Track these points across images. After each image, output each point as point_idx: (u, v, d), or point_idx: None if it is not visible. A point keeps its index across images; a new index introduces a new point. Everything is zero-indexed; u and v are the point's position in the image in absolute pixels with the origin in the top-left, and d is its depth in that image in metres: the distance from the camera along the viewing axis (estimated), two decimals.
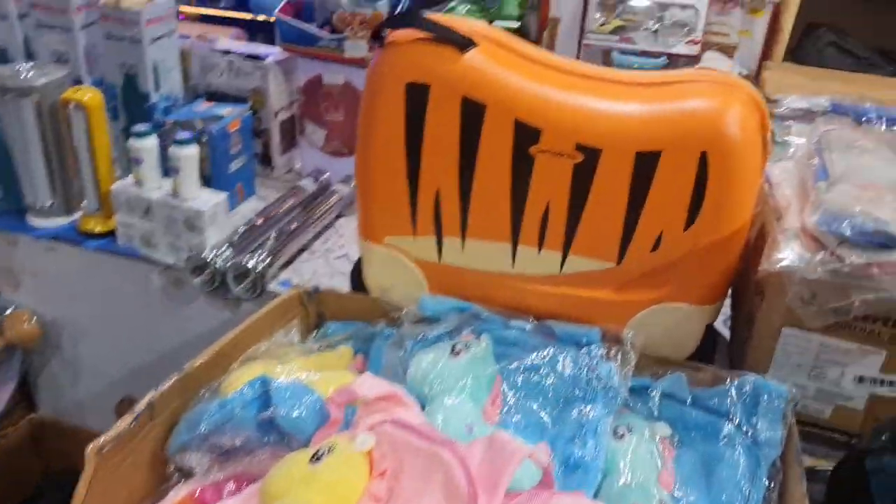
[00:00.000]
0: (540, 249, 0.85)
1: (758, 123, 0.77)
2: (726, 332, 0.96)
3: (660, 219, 0.80)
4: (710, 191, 0.77)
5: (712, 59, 1.89)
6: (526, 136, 0.79)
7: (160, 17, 1.12)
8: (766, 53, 1.96)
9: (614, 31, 1.90)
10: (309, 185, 1.21)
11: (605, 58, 1.95)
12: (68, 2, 1.10)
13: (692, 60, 1.87)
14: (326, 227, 1.16)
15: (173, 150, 1.00)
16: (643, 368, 0.81)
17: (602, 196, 0.80)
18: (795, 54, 1.97)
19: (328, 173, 1.24)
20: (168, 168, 1.04)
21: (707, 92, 0.78)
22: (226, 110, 1.17)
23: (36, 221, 1.12)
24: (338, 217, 1.20)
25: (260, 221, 1.10)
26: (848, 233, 0.67)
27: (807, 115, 1.04)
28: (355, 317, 0.93)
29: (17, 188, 1.14)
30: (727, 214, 0.78)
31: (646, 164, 0.77)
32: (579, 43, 1.97)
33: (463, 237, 0.87)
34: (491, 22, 0.86)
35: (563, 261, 0.85)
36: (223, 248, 1.01)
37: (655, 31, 1.89)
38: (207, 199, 1.03)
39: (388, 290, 0.93)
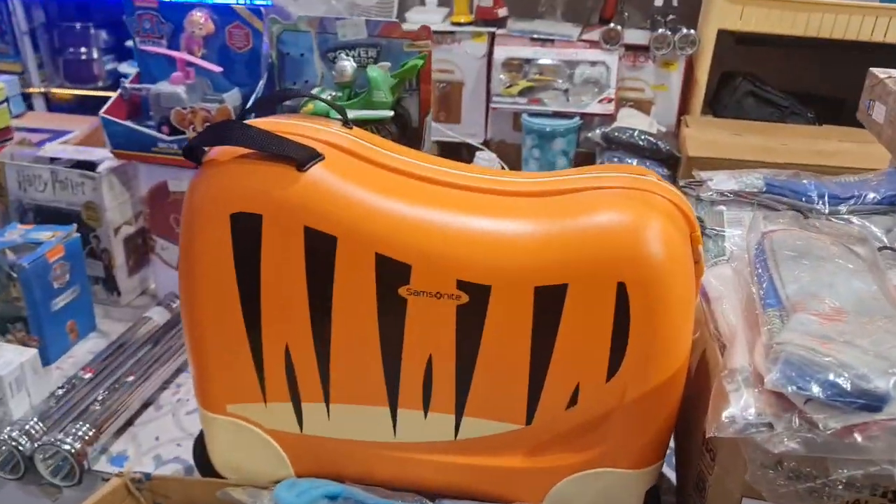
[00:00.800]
0: (426, 413, 0.65)
1: (684, 237, 0.60)
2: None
3: (574, 368, 0.61)
4: (633, 330, 0.59)
5: (628, 115, 1.76)
6: (392, 273, 0.60)
7: None
8: (684, 107, 1.86)
9: (522, 93, 1.77)
10: (160, 315, 0.99)
11: (515, 121, 1.81)
12: None
13: (607, 119, 1.75)
14: (180, 371, 0.94)
15: None
16: None
17: (497, 343, 0.61)
18: (714, 106, 1.87)
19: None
20: None
21: (616, 202, 0.61)
22: (45, 234, 0.95)
23: None
24: None
25: (88, 374, 0.88)
26: (818, 394, 0.50)
27: (738, 198, 0.88)
28: None
29: None
30: (658, 356, 0.61)
31: (549, 302, 0.59)
32: (486, 107, 1.83)
33: (327, 402, 0.67)
34: (341, 114, 0.67)
35: (458, 425, 0.65)
36: (31, 422, 0.79)
37: (566, 91, 1.76)
38: (9, 360, 0.80)
39: (239, 470, 0.72)
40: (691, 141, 1.71)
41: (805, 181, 0.89)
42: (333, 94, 0.93)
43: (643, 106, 1.84)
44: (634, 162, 1.65)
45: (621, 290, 0.58)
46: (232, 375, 0.67)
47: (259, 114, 0.70)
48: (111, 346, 0.93)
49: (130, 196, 1.05)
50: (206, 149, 0.64)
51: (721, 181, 0.91)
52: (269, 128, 0.63)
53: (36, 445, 0.77)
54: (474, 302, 0.60)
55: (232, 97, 0.96)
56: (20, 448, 0.77)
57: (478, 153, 1.69)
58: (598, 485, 0.65)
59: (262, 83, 0.96)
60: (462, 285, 0.60)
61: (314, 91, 0.92)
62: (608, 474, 0.65)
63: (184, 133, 0.94)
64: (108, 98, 1.01)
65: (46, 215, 1.04)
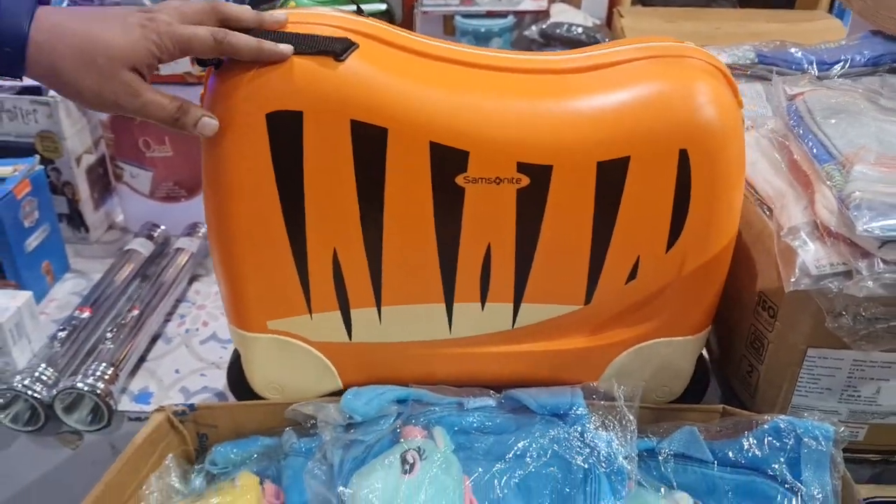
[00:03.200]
0: (483, 304, 0.64)
1: (732, 99, 0.60)
2: None
3: (635, 242, 0.61)
4: (695, 197, 0.59)
5: (561, 10, 1.75)
6: (448, 162, 0.58)
7: None
8: None
9: None
10: (143, 246, 0.93)
11: (447, 24, 1.76)
12: None
13: (541, 15, 1.72)
14: (179, 301, 0.89)
15: None
16: (640, 423, 0.63)
17: (558, 224, 0.60)
18: None
19: (163, 227, 0.97)
20: None
21: (665, 70, 0.60)
22: (5, 169, 0.87)
23: None
24: (191, 282, 0.93)
25: (86, 314, 0.82)
26: None
27: (733, 71, 0.89)
28: (251, 430, 0.69)
29: None
30: (717, 222, 0.61)
31: (611, 176, 0.59)
32: (411, 11, 1.77)
33: (378, 306, 0.64)
34: (359, 9, 0.63)
35: (516, 313, 0.65)
36: (40, 369, 0.73)
37: None
38: (4, 306, 0.74)
39: (283, 388, 0.70)
40: (629, 31, 1.71)
41: (792, 49, 0.90)
42: None
43: (573, 0, 1.83)
44: None
45: (683, 157, 0.58)
46: (272, 290, 0.64)
47: None
48: (101, 284, 0.87)
49: (88, 121, 0.96)
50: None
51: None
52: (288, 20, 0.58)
53: (55, 392, 0.72)
54: (535, 184, 0.58)
55: None
56: (37, 397, 0.71)
57: None
58: (654, 355, 0.66)
59: None
60: (523, 167, 0.58)
61: None
62: (664, 344, 0.66)
63: None
64: None
65: None
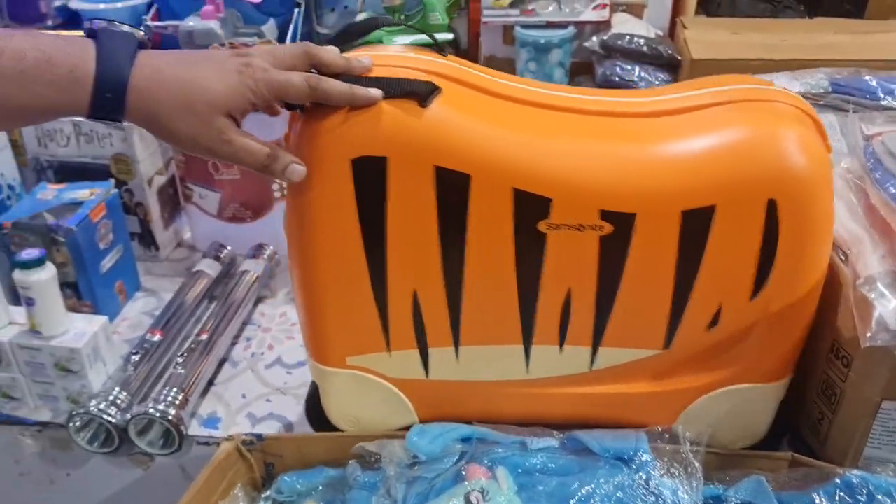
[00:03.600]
0: (562, 347, 0.64)
1: (821, 146, 0.59)
2: None
3: (718, 289, 0.61)
4: (782, 247, 0.58)
5: (623, 21, 1.73)
6: (531, 208, 0.58)
7: None
8: (678, 9, 1.82)
9: (513, 5, 1.70)
10: (211, 267, 0.94)
11: (507, 35, 1.75)
12: None
13: (602, 26, 1.70)
14: (245, 324, 0.91)
15: (20, 277, 0.72)
16: (706, 469, 0.63)
17: (641, 271, 0.60)
18: (706, 6, 1.84)
19: (229, 248, 0.98)
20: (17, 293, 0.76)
21: (751, 116, 0.59)
22: (82, 193, 0.89)
23: None
24: (256, 304, 0.94)
25: (157, 337, 0.83)
26: None
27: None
28: (315, 461, 0.70)
29: None
30: (804, 271, 0.60)
31: (695, 225, 0.58)
32: (477, 39, 1.77)
33: (456, 346, 0.65)
34: (432, 39, 0.63)
35: (594, 356, 0.65)
36: (115, 392, 0.75)
37: (558, 0, 1.71)
38: (82, 331, 0.75)
39: (359, 421, 0.70)
40: (693, 43, 1.68)
41: (867, 77, 0.89)
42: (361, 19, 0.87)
43: (635, 10, 1.80)
44: (636, 69, 1.63)
45: (771, 206, 0.57)
46: (353, 328, 0.65)
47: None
48: (171, 306, 0.88)
49: (159, 144, 0.98)
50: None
51: (784, 84, 0.90)
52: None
53: (129, 417, 0.73)
54: (618, 231, 0.58)
55: (269, 30, 0.89)
56: (112, 420, 0.73)
57: None
58: (733, 401, 0.66)
59: (299, 12, 0.89)
60: (606, 215, 0.58)
61: (364, 16, 0.87)
62: (743, 391, 0.65)
63: None
64: None
65: (69, 172, 0.97)
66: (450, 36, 0.82)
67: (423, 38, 0.83)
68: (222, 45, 0.86)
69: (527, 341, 0.64)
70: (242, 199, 0.99)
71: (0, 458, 0.80)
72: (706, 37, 1.69)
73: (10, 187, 0.90)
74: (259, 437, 0.69)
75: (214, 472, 0.67)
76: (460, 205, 0.58)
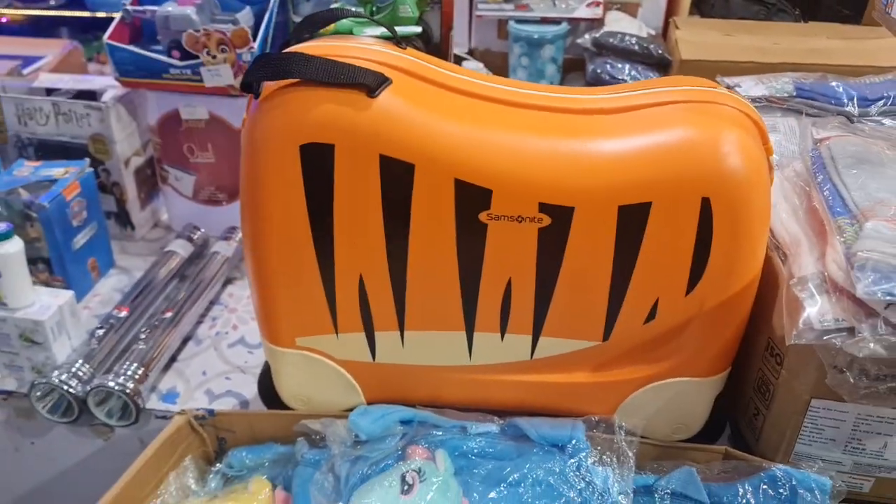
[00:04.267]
0: (503, 335, 0.66)
1: (761, 148, 0.61)
2: None
3: (654, 284, 0.62)
4: (716, 244, 0.60)
5: (616, 19, 1.73)
6: (472, 199, 0.60)
7: None
8: (672, 9, 1.83)
9: (508, 0, 1.72)
10: (183, 248, 0.96)
11: (501, 29, 1.77)
12: None
13: (595, 24, 1.72)
14: (213, 303, 0.93)
15: None
16: (639, 458, 0.65)
17: (579, 263, 0.61)
18: (700, 6, 1.85)
19: (202, 229, 1.00)
20: None
21: (692, 117, 0.60)
22: (57, 171, 0.91)
23: None
24: (225, 285, 0.96)
25: (123, 313, 0.85)
26: None
27: (769, 103, 0.89)
28: (266, 437, 0.72)
29: None
30: (738, 268, 0.62)
31: (632, 220, 0.59)
32: (449, 31, 1.78)
33: (401, 330, 0.67)
34: (392, 32, 0.65)
35: (534, 345, 0.66)
36: (77, 364, 0.77)
37: None
38: (47, 304, 0.78)
39: (309, 401, 0.72)
40: (683, 44, 1.68)
41: (833, 83, 0.90)
42: (353, 10, 0.89)
43: (629, 9, 1.81)
44: (626, 67, 1.64)
45: (705, 205, 0.58)
46: (302, 309, 0.67)
47: (280, 65, 0.65)
48: (140, 283, 0.90)
49: (138, 125, 1.00)
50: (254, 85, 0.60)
51: (750, 87, 0.91)
52: (322, 53, 0.60)
53: (88, 388, 0.76)
54: (557, 224, 0.60)
55: (245, 17, 0.91)
56: (72, 391, 0.75)
57: (464, 63, 1.65)
58: (670, 394, 0.67)
59: (274, 2, 0.91)
60: (545, 208, 0.59)
61: (337, 6, 0.88)
62: (680, 384, 0.67)
63: (196, 57, 0.89)
64: (60, 18, 0.94)
65: (49, 150, 0.99)
66: (418, 29, 0.83)
67: (395, 30, 0.85)
68: (197, 31, 0.88)
69: (469, 328, 0.66)
70: (217, 182, 1.01)
71: None
72: (697, 37, 1.69)
73: None
74: (211, 412, 0.71)
75: (165, 444, 0.69)
76: (404, 193, 0.60)
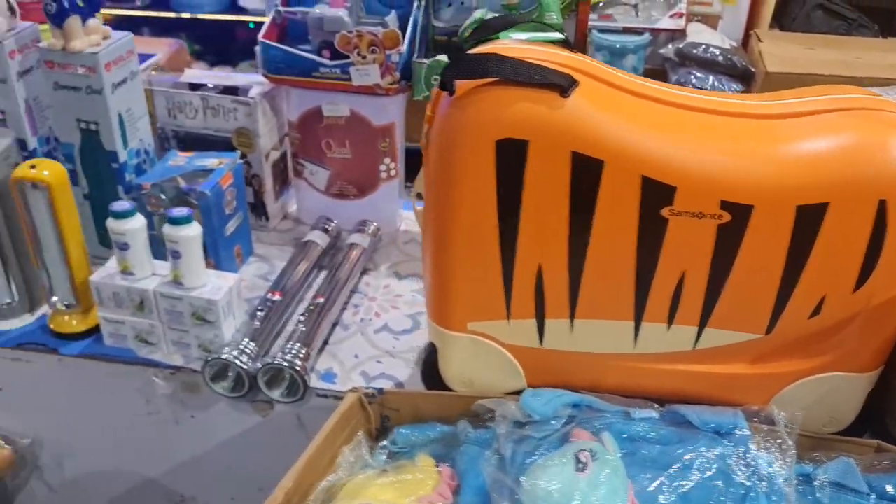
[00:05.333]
0: (670, 325, 0.70)
1: None
2: None
3: (824, 280, 0.66)
4: (889, 244, 0.63)
5: (698, 31, 1.77)
6: (656, 195, 0.63)
7: (121, 57, 0.90)
8: (752, 21, 1.86)
9: (592, 9, 1.75)
10: (320, 238, 1.01)
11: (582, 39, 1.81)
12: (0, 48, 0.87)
13: (677, 34, 1.75)
14: (353, 292, 0.97)
15: (170, 231, 0.79)
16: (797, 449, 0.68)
17: (753, 259, 0.65)
18: (780, 20, 1.88)
19: (335, 221, 1.05)
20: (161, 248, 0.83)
21: (859, 122, 0.64)
22: (211, 161, 0.96)
23: None
24: (361, 275, 1.01)
25: (277, 297, 0.90)
26: None
27: None
28: (428, 417, 0.76)
29: None
30: None
31: (808, 219, 0.63)
32: (584, 39, 1.82)
33: (572, 318, 0.71)
34: (569, 44, 0.69)
35: (699, 336, 0.70)
36: (244, 343, 0.82)
37: (636, 6, 1.76)
38: (218, 285, 0.83)
39: (472, 383, 0.77)
40: (768, 56, 1.71)
41: None
42: (496, 16, 0.93)
43: (710, 20, 1.84)
44: (710, 78, 1.66)
45: (881, 206, 0.62)
46: (477, 296, 0.71)
47: (474, 64, 0.70)
48: (287, 270, 0.95)
49: (278, 120, 1.05)
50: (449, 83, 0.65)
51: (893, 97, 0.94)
52: (511, 56, 0.64)
53: (259, 366, 0.80)
54: (735, 221, 0.63)
55: (391, 20, 0.96)
56: (245, 367, 0.80)
57: None
58: (825, 388, 0.71)
59: (418, 6, 0.96)
60: (726, 205, 0.63)
61: (479, 14, 0.93)
62: (836, 378, 0.70)
63: (347, 57, 0.94)
64: (143, 18, 0.98)
65: (192, 142, 1.05)
66: (562, 35, 0.88)
67: (538, 35, 0.89)
68: (350, 32, 0.93)
69: (638, 318, 0.70)
70: (350, 177, 1.06)
71: (133, 397, 0.88)
72: (781, 51, 1.72)
73: (146, 152, 0.97)
74: (380, 391, 0.76)
75: (341, 420, 0.74)
76: (592, 188, 0.64)
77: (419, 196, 0.80)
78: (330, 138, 1.03)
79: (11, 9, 0.88)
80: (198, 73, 1.09)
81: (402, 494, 0.69)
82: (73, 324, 0.88)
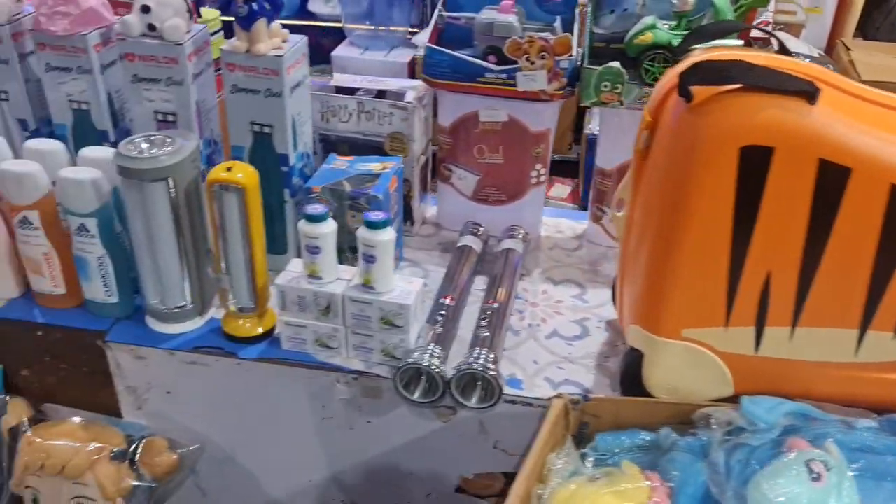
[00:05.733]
0: None
1: None
2: None
3: None
4: None
5: (783, 40, 1.77)
6: None
7: (297, 60, 0.90)
8: (836, 30, 1.86)
9: None
10: (475, 244, 1.01)
11: None
12: (177, 50, 0.86)
13: (762, 42, 1.75)
14: (514, 298, 0.97)
15: (366, 235, 0.79)
16: None
17: None
18: (864, 29, 1.88)
19: (483, 226, 1.05)
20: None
21: None
22: (374, 165, 0.96)
23: (165, 327, 0.89)
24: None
25: (450, 300, 0.90)
26: None
27: None
28: (629, 424, 0.76)
29: (135, 288, 0.91)
30: None
31: None
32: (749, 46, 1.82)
33: (793, 326, 0.70)
34: (785, 49, 0.69)
35: None
36: (431, 348, 0.82)
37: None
38: (407, 290, 0.82)
39: (676, 390, 0.76)
40: (861, 65, 1.72)
41: None
42: (665, 23, 0.93)
43: (793, 30, 1.84)
44: None
45: None
46: (697, 302, 0.71)
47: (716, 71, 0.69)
48: (453, 274, 0.95)
49: (427, 124, 1.05)
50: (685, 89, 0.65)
51: None
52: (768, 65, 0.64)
53: (454, 373, 0.80)
54: None
55: (559, 26, 0.96)
56: (438, 373, 0.80)
57: None
58: None
59: (586, 13, 0.96)
60: None
61: (650, 20, 0.93)
62: None
63: (514, 63, 0.94)
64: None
65: (343, 146, 1.05)
66: (740, 42, 0.88)
67: (715, 44, 0.89)
68: (521, 38, 0.93)
69: (864, 326, 0.69)
70: (499, 182, 1.06)
71: (309, 402, 0.88)
72: (871, 59, 1.72)
73: (308, 156, 0.97)
74: (585, 397, 0.76)
75: (553, 426, 0.74)
76: (835, 196, 0.64)
77: (619, 203, 0.80)
78: (483, 143, 1.03)
79: (189, 10, 0.88)
80: (346, 77, 1.09)
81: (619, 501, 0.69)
82: (248, 327, 0.88)
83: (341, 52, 1.27)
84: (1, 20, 0.91)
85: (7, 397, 0.93)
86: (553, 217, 1.15)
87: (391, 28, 2.26)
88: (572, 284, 1.01)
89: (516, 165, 1.04)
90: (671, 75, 0.70)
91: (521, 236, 1.04)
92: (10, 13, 0.92)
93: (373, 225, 0.80)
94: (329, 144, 1.06)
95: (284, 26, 0.90)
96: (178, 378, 0.90)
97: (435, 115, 1.06)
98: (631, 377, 0.78)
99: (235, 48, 0.86)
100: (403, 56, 1.61)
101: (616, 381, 0.84)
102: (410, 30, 2.25)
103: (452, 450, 0.87)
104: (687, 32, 0.91)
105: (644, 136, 0.72)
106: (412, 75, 2.08)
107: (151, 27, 0.87)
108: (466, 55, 0.97)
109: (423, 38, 0.98)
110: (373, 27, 2.24)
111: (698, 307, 0.71)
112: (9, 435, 0.92)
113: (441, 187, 1.10)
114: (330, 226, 0.81)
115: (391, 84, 1.06)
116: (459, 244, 1.01)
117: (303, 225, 0.81)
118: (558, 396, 0.76)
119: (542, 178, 1.06)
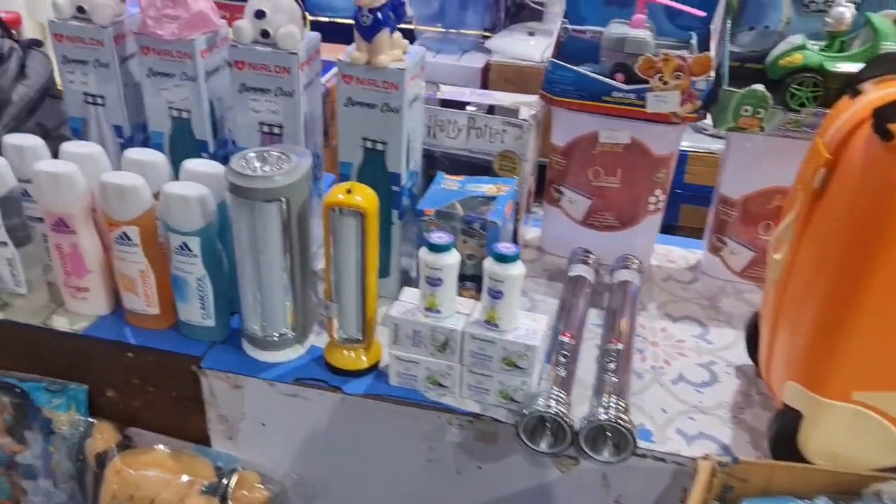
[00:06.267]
0: None
1: None
2: None
3: None
4: None
5: None
6: None
7: (416, 74, 0.83)
8: None
9: None
10: (588, 273, 0.94)
11: None
12: (290, 59, 0.81)
13: None
14: (633, 334, 0.90)
15: (494, 269, 0.73)
16: None
17: None
18: None
19: (593, 254, 0.98)
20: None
21: None
22: (488, 187, 0.90)
23: (264, 354, 0.84)
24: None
25: (569, 338, 0.83)
26: None
27: None
28: (780, 490, 0.69)
29: (231, 310, 0.85)
30: None
31: None
32: None
33: None
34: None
35: None
36: (555, 393, 0.75)
37: None
38: (532, 328, 0.76)
39: (836, 456, 0.69)
40: None
41: None
42: (815, 43, 0.85)
43: None
44: None
45: None
46: (876, 362, 0.63)
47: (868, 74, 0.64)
48: (568, 308, 0.88)
49: (538, 143, 0.99)
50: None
51: None
52: None
53: (585, 424, 0.73)
54: None
55: (695, 43, 0.88)
56: (567, 422, 0.73)
57: None
58: None
59: (724, 30, 0.89)
60: None
61: (799, 40, 0.85)
62: None
63: (645, 82, 0.87)
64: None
65: (444, 162, 0.98)
66: None
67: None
68: (655, 55, 0.85)
69: None
70: (613, 207, 0.99)
71: (417, 442, 0.82)
72: None
73: (417, 174, 0.91)
74: (735, 459, 0.69)
75: (702, 491, 0.67)
76: None
77: (778, 244, 0.73)
78: (600, 165, 0.96)
79: (304, 16, 0.83)
80: (454, 89, 1.02)
81: None
82: (354, 359, 0.82)
83: None
84: (104, 22, 0.86)
85: (94, 421, 0.89)
86: (661, 244, 1.08)
87: (462, 31, 2.20)
88: (692, 322, 0.94)
89: (634, 190, 0.97)
90: (857, 108, 0.63)
91: (635, 267, 0.96)
92: (113, 14, 0.87)
93: (503, 258, 0.73)
94: (431, 161, 1.00)
95: (349, 26, 0.81)
96: (275, 409, 0.84)
97: (543, 132, 0.99)
98: (785, 439, 0.71)
99: (355, 59, 0.80)
100: (477, 61, 1.57)
101: (755, 436, 0.77)
102: (484, 34, 2.18)
103: (568, 502, 0.81)
104: (842, 54, 0.83)
105: (820, 174, 0.64)
106: (485, 82, 2.01)
107: (265, 33, 0.81)
108: (590, 71, 0.90)
109: (499, 43, 0.92)
110: (444, 30, 2.18)
111: (876, 368, 0.64)
112: (95, 461, 0.87)
113: (548, 210, 1.03)
114: (454, 256, 0.75)
115: (501, 98, 0.99)
116: (572, 273, 0.95)
117: (424, 254, 0.75)
118: (705, 458, 0.69)
119: (661, 205, 0.98)
